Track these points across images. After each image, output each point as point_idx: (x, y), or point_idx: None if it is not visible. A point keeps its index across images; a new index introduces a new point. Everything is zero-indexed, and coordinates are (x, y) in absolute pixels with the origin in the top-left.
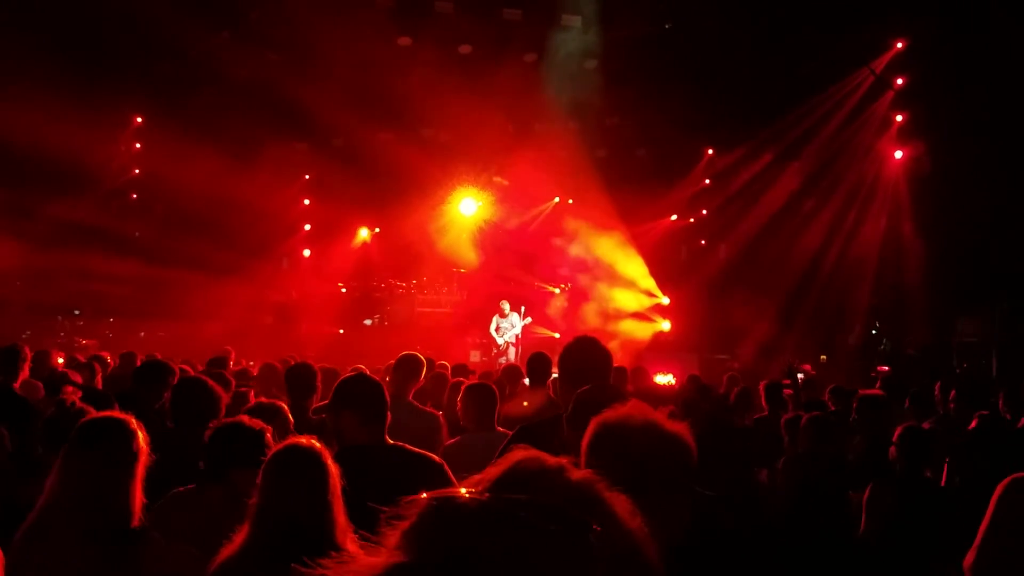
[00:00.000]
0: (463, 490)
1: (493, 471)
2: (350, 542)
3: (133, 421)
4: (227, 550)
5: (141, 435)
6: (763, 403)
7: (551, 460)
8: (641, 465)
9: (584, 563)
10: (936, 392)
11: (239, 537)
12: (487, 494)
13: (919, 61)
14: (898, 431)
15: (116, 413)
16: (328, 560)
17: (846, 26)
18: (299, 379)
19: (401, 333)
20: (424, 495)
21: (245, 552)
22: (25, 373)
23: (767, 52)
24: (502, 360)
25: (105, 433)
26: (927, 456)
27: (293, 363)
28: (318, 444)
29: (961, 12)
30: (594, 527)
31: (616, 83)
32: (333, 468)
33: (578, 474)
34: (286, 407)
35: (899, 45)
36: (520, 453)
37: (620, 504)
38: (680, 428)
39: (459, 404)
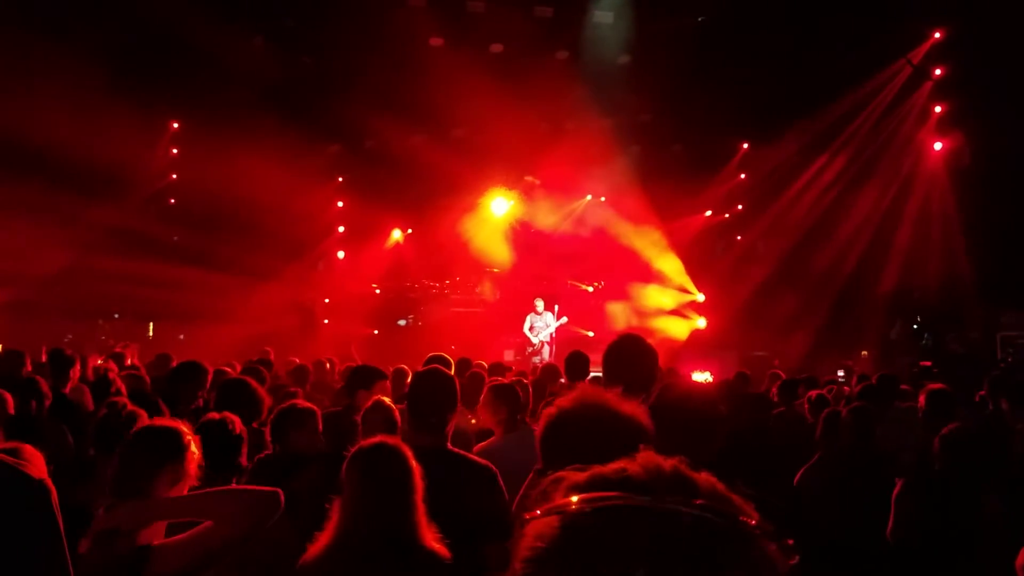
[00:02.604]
0: (574, 498)
1: (621, 472)
2: (434, 542)
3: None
4: (314, 549)
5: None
6: (775, 398)
7: (665, 458)
8: (595, 451)
9: (773, 563)
10: (984, 389)
11: (324, 536)
12: (660, 498)
13: (957, 51)
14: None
15: (167, 421)
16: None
17: (882, 16)
18: (353, 379)
19: (436, 333)
20: (537, 511)
21: (332, 551)
22: (75, 378)
23: (801, 44)
24: (536, 359)
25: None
26: (958, 455)
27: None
28: (402, 444)
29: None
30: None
31: (649, 78)
32: (416, 468)
33: (704, 475)
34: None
35: (937, 35)
36: (646, 454)
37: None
38: (634, 409)
39: (483, 404)
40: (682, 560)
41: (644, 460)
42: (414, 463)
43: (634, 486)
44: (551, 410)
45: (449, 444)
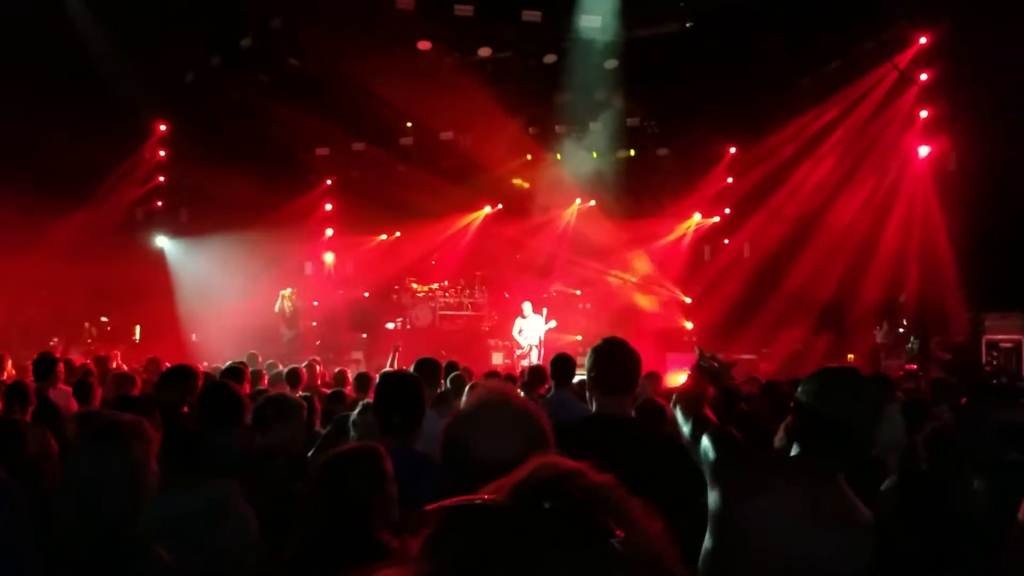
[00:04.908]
0: (483, 496)
1: (513, 476)
2: (396, 542)
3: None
4: (285, 553)
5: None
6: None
7: (571, 464)
8: (495, 455)
9: (605, 569)
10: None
11: (294, 538)
12: (506, 500)
13: (943, 56)
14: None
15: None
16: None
17: (868, 21)
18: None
19: (424, 337)
20: (448, 502)
21: (301, 553)
22: (59, 380)
23: (789, 49)
24: (524, 363)
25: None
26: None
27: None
28: (377, 446)
29: (983, 5)
30: (617, 532)
31: (637, 83)
32: (389, 473)
33: (598, 477)
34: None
35: (923, 40)
36: (540, 458)
37: (638, 508)
38: (535, 409)
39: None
40: (522, 556)
41: (544, 463)
42: (388, 468)
43: (509, 489)
44: (450, 417)
45: (416, 446)
